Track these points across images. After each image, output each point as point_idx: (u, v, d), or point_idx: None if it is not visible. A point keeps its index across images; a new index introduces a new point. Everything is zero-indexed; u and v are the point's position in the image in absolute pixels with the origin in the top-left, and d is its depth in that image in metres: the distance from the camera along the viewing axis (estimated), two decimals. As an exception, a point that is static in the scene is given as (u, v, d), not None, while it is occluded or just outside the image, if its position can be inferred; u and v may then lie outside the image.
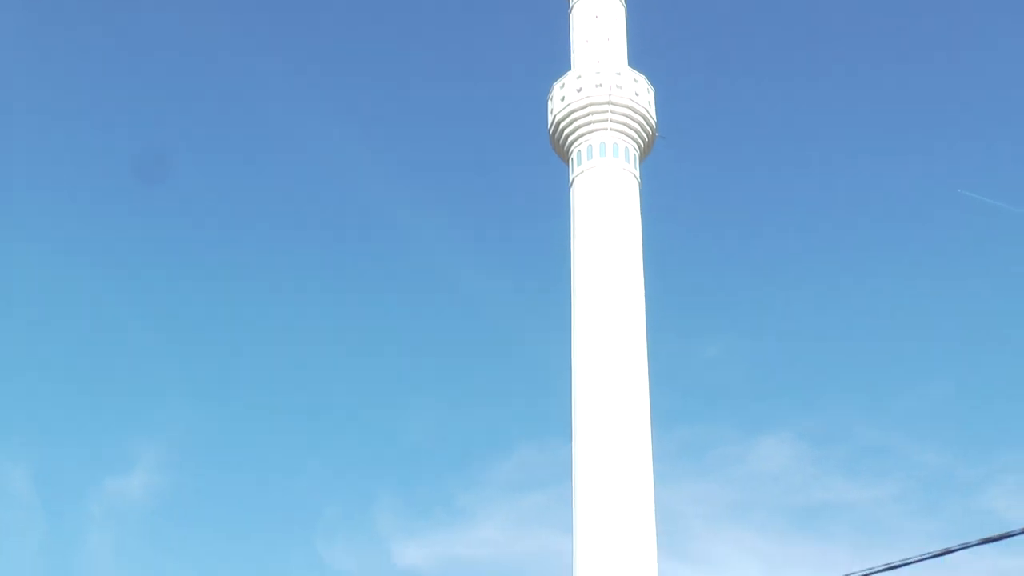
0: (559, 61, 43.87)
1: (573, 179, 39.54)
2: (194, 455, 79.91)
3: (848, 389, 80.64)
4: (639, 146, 39.67)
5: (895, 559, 13.95)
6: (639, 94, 39.82)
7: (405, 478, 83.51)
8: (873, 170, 78.66)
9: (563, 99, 39.85)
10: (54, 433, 77.86)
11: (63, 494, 76.75)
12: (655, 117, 40.52)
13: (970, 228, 74.70)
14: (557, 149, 40.78)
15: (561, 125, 39.96)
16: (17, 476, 75.22)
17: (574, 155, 39.64)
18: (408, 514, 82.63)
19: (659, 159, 43.62)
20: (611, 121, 38.82)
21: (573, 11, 42.86)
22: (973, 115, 79.21)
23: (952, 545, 13.65)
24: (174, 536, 78.56)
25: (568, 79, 40.72)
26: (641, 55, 43.57)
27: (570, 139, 39.77)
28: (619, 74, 40.06)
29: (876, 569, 13.72)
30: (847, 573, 13.89)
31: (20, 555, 73.60)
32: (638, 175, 39.68)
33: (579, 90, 39.77)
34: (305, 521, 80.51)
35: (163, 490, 79.42)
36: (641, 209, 39.79)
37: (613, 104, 38.88)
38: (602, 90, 39.17)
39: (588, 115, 39.29)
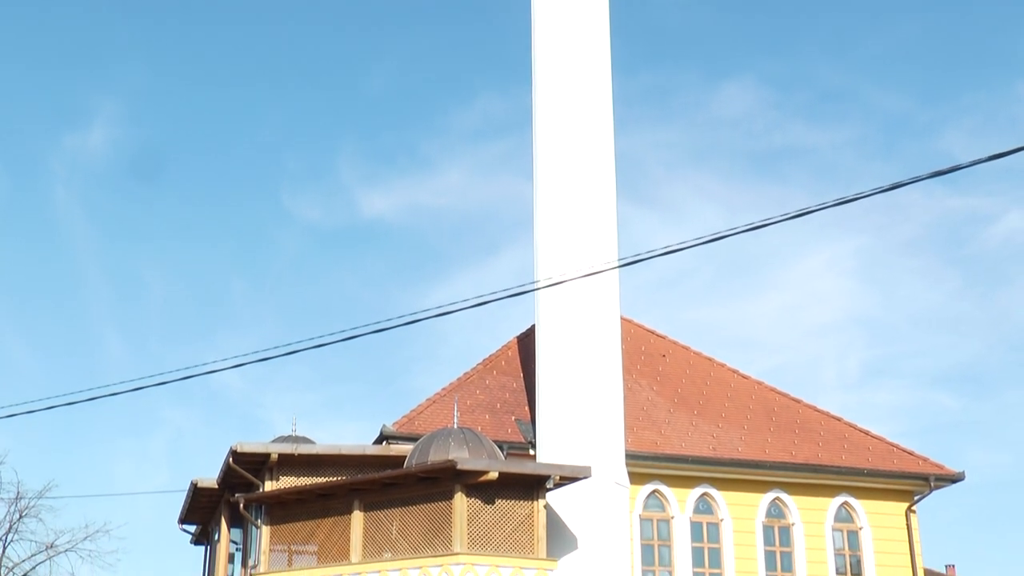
0: None
1: None
2: (152, 110, 79.41)
3: (812, 32, 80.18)
4: None
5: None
6: None
7: (368, 128, 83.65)
8: None
9: None
10: (4, 90, 76.71)
11: (21, 152, 76.48)
12: None
13: None
14: None
15: None
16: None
17: None
18: (372, 164, 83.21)
19: None
20: None
21: None
22: None
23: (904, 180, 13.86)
24: (140, 191, 79.07)
25: None
26: None
27: None
28: None
29: (830, 203, 14.01)
30: (802, 209, 14.20)
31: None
32: None
33: None
34: (269, 174, 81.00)
35: (124, 146, 79.30)
36: None
37: None
38: None
39: None
